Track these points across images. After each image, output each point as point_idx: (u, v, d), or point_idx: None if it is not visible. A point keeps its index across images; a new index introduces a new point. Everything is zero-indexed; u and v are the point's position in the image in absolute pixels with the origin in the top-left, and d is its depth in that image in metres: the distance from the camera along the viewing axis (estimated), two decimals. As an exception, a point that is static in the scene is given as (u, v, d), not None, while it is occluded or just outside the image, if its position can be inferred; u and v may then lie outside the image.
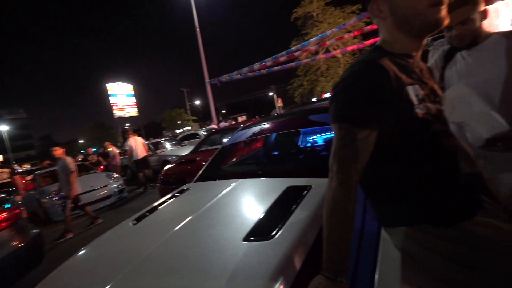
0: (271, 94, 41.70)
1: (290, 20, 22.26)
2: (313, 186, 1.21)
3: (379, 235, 0.90)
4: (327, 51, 18.38)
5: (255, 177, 1.64)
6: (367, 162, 0.72)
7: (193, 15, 13.73)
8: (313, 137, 2.88)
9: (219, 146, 2.67)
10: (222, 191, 1.49)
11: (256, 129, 2.22)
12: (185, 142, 10.29)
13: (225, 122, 13.47)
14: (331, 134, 2.67)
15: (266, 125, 2.20)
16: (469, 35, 1.21)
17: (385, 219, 0.85)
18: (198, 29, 13.74)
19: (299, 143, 2.83)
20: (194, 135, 11.84)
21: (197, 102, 50.32)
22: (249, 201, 1.37)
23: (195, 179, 2.05)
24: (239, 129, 2.49)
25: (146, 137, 21.30)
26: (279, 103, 32.29)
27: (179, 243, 1.05)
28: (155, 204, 1.64)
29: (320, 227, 0.92)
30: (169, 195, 1.75)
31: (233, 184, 1.57)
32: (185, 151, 7.00)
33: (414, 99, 0.72)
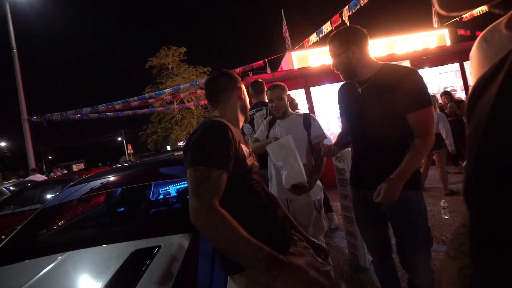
0: (119, 139, 37.26)
1: (144, 67, 22.07)
2: (162, 245, 1.15)
3: (226, 285, 0.96)
4: (182, 102, 19.31)
5: (91, 245, 1.34)
6: None
7: (9, 31, 10.70)
8: (166, 188, 2.79)
9: (38, 207, 2.01)
10: (36, 275, 1.10)
11: (95, 183, 1.89)
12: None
13: (57, 171, 10.36)
14: (184, 185, 2.70)
15: (108, 179, 1.93)
16: (282, 108, 1.88)
17: (228, 266, 0.94)
18: (15, 50, 10.72)
19: (151, 196, 2.64)
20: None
21: (2, 144, 36.26)
22: (81, 279, 1.09)
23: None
24: (73, 183, 2.02)
25: None
26: (129, 149, 29.20)
27: None
28: None
29: (172, 285, 0.87)
30: None
31: (55, 262, 1.20)
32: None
33: (245, 153, 1.00)
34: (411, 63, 5.87)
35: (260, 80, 2.67)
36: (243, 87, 1.20)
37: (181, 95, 14.43)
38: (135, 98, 10.99)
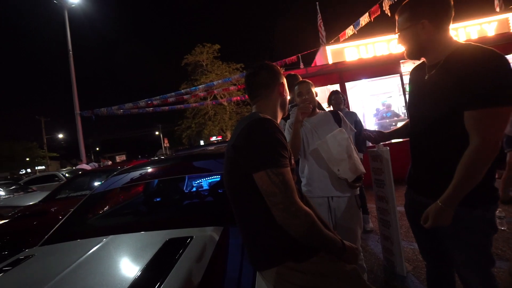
0: (157, 133, 39.56)
1: (180, 64, 23.03)
2: (194, 236, 1.19)
3: (255, 280, 0.97)
4: (215, 98, 19.83)
5: (131, 231, 1.45)
6: (244, 204, 0.91)
7: (66, 35, 11.88)
8: (199, 181, 2.89)
9: (87, 193, 2.23)
10: (85, 253, 1.22)
11: (135, 174, 2.02)
12: (34, 187, 7.87)
13: (105, 161, 11.32)
14: (216, 178, 2.78)
15: (148, 170, 2.05)
16: (313, 103, 1.81)
17: (257, 261, 0.94)
18: (71, 52, 11.88)
19: (184, 188, 2.76)
20: (49, 178, 9.27)
21: (60, 136, 40.66)
22: (122, 261, 1.18)
23: (42, 241, 1.57)
24: (115, 173, 2.19)
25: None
26: (165, 143, 30.89)
27: None
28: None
29: (202, 276, 0.91)
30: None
31: (101, 243, 1.32)
32: (32, 199, 5.32)
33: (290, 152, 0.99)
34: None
35: (294, 73, 2.63)
36: (285, 82, 1.16)
37: (215, 92, 14.81)
38: (172, 94, 11.55)
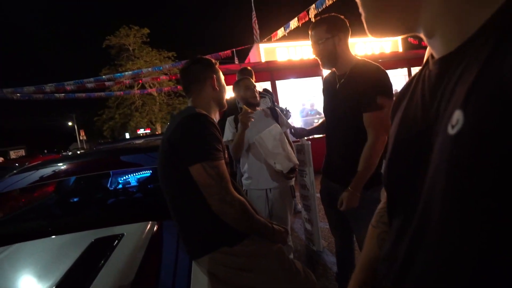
0: (70, 123, 33.92)
1: (101, 46, 20.21)
2: (125, 233, 1.15)
3: (191, 271, 1.00)
4: (143, 87, 18.20)
5: (44, 236, 1.27)
6: (180, 196, 0.95)
7: None
8: (125, 177, 2.69)
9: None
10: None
11: (46, 171, 1.75)
12: None
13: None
14: (145, 174, 2.63)
15: (63, 167, 1.81)
16: (257, 99, 1.92)
17: (192, 251, 0.99)
18: None
19: (109, 185, 2.53)
20: None
21: None
22: (32, 272, 1.04)
23: None
24: (17, 171, 1.85)
25: None
26: (82, 135, 26.77)
27: None
28: None
29: (136, 271, 0.90)
30: None
31: (2, 254, 1.12)
32: None
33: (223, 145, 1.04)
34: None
35: (249, 68, 2.71)
36: (218, 75, 1.17)
37: (143, 80, 13.59)
38: (91, 79, 10.06)
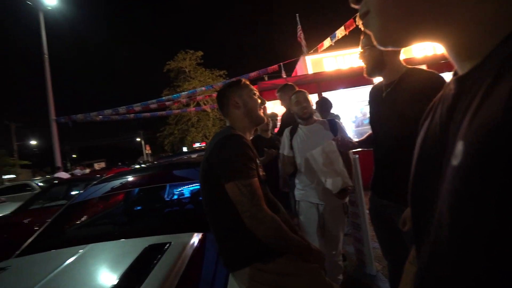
0: (138, 139, 38.56)
1: (162, 71, 22.82)
2: (172, 242, 1.26)
3: (227, 281, 1.06)
4: (198, 104, 19.75)
5: (110, 239, 1.48)
6: (217, 211, 1.01)
7: (42, 38, 11.46)
8: (180, 189, 2.93)
9: (63, 203, 2.21)
10: (63, 263, 1.25)
11: (115, 183, 2.05)
12: (3, 198, 7.45)
13: (80, 169, 10.90)
14: (195, 187, 2.84)
15: (128, 179, 2.09)
16: (310, 112, 1.91)
17: (230, 263, 1.04)
18: (46, 55, 11.46)
19: (165, 196, 2.80)
20: (21, 187, 8.79)
21: (33, 142, 38.50)
22: (102, 268, 1.23)
23: (18, 252, 1.56)
24: (95, 182, 2.20)
25: None
26: (147, 149, 30.17)
27: None
28: None
29: (179, 279, 0.99)
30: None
31: (80, 252, 1.35)
32: (3, 211, 5.05)
33: (258, 163, 1.09)
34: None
35: (290, 83, 2.75)
36: (240, 92, 1.19)
37: (198, 98, 14.78)
38: (154, 100, 11.42)
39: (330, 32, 6.91)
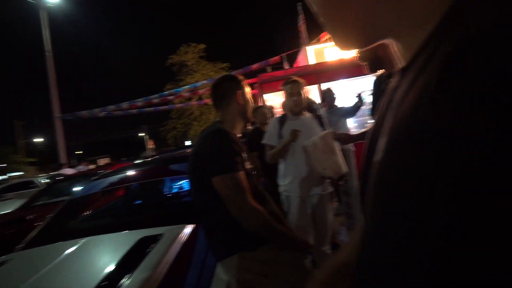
0: (141, 134, 38.85)
1: (165, 64, 22.77)
2: (164, 234, 1.30)
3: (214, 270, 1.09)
4: (200, 98, 19.74)
5: (108, 232, 1.53)
6: (205, 203, 1.04)
7: (43, 36, 11.50)
8: (179, 182, 2.97)
9: (65, 199, 2.27)
10: (62, 255, 1.30)
11: (113, 179, 2.09)
12: (11, 195, 7.63)
13: (84, 165, 11.05)
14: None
15: (126, 174, 2.13)
16: (302, 104, 1.89)
17: (216, 253, 1.07)
18: (48, 53, 11.52)
19: (165, 190, 2.84)
20: (25, 185, 8.95)
21: (38, 140, 39.11)
22: (97, 259, 1.29)
23: (22, 245, 1.63)
24: (95, 177, 2.25)
25: None
26: (151, 144, 30.42)
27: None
28: None
29: (168, 268, 1.03)
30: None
31: (78, 244, 1.40)
32: (8, 207, 5.18)
33: (244, 157, 1.11)
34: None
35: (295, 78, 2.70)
36: (244, 90, 1.23)
37: (200, 92, 14.76)
38: (156, 95, 11.45)
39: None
